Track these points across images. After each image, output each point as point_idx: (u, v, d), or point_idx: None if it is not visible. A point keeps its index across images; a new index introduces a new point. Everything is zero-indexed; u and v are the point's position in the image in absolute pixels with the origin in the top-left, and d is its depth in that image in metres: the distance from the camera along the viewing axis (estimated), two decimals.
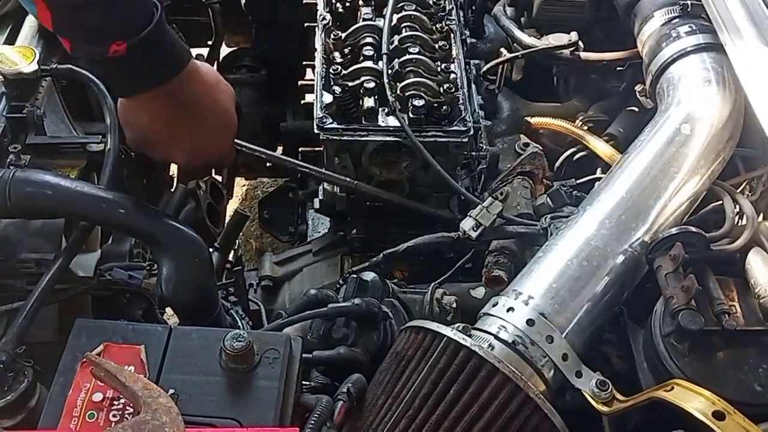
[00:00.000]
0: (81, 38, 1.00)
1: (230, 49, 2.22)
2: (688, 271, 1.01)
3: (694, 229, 1.03)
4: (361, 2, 1.54)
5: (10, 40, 1.45)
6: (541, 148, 1.46)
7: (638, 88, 1.41)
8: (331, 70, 1.41)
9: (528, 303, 1.00)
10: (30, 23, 1.47)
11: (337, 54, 1.45)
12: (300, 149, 1.63)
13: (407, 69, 1.41)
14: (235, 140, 1.20)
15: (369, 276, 1.19)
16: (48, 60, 1.40)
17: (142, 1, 1.01)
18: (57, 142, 1.29)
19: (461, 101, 1.38)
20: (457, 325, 0.98)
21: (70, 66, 1.36)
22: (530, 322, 0.98)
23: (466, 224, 1.25)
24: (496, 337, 0.98)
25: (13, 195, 1.07)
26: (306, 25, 1.62)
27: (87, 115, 1.49)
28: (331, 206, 1.49)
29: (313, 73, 1.61)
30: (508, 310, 1.00)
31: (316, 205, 1.55)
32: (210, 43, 2.09)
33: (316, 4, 1.57)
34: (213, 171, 1.78)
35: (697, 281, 0.98)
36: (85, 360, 0.90)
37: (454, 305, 1.20)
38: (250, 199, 2.86)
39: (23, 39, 1.43)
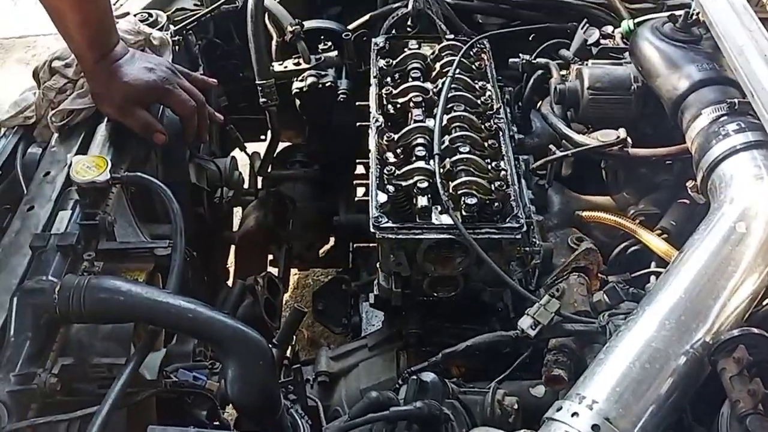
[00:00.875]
0: None
1: (284, 145, 2.30)
2: (753, 373, 1.00)
3: (756, 330, 1.03)
4: (411, 104, 1.60)
5: (83, 149, 1.53)
6: (593, 242, 1.47)
7: (689, 184, 1.42)
8: (385, 171, 1.45)
9: (592, 407, 1.00)
10: (102, 132, 1.56)
11: (390, 154, 1.50)
12: (356, 244, 1.67)
13: (458, 168, 1.44)
14: None
15: (429, 377, 1.20)
16: (118, 167, 1.48)
17: None
18: (126, 247, 1.34)
19: (513, 197, 1.41)
20: (521, 431, 0.98)
21: (138, 173, 1.44)
22: (595, 428, 0.97)
23: (524, 323, 1.26)
24: None
25: (87, 301, 1.12)
26: (358, 124, 1.67)
27: (153, 217, 1.55)
28: (387, 301, 1.51)
29: (365, 169, 1.67)
30: (572, 415, 1.00)
31: (371, 300, 1.57)
32: (263, 137, 2.18)
33: (368, 105, 1.63)
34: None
35: (763, 384, 0.97)
36: None
37: (516, 407, 1.20)
38: (301, 288, 2.90)
39: (95, 148, 1.51)
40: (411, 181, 1.42)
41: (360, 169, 1.91)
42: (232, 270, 2.17)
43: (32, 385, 1.08)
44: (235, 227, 2.17)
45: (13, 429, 1.05)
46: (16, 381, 1.09)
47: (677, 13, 1.54)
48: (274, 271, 2.05)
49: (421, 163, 1.45)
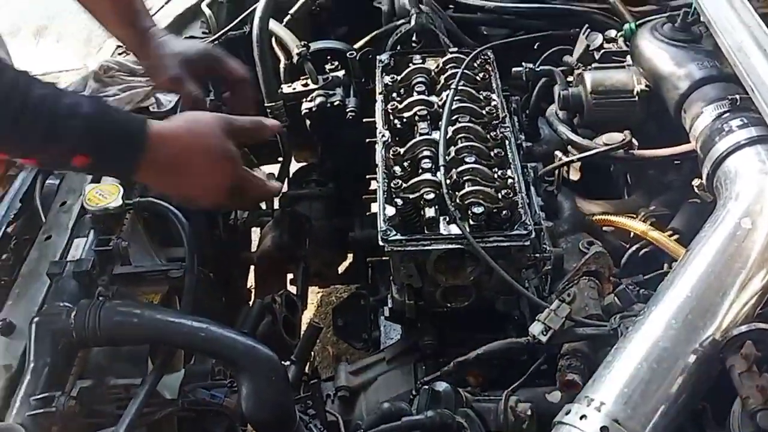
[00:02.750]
0: (50, 166, 1.25)
1: (299, 165, 2.33)
2: (763, 369, 1.00)
3: (763, 325, 1.02)
4: (417, 117, 1.61)
5: (97, 178, 1.57)
6: (603, 246, 1.47)
7: (696, 183, 1.42)
8: (392, 184, 1.46)
9: (600, 409, 1.00)
10: None
11: (397, 168, 1.51)
12: (368, 259, 1.68)
13: (465, 178, 1.45)
14: None
15: (441, 386, 1.20)
16: (130, 193, 1.51)
17: (74, 113, 1.09)
18: (140, 271, 1.38)
19: (520, 205, 1.41)
20: None
21: (150, 199, 1.48)
22: (604, 430, 0.97)
23: (535, 329, 1.26)
24: None
25: (102, 324, 1.15)
26: (368, 141, 1.69)
27: (167, 240, 1.59)
28: (401, 313, 1.52)
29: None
30: (581, 418, 1.00)
31: (386, 313, 1.58)
32: (279, 159, 2.21)
33: (375, 121, 1.65)
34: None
35: None
36: None
37: (529, 413, 1.20)
38: (325, 305, 2.92)
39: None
40: (418, 194, 1.43)
41: (374, 185, 1.93)
42: (252, 292, 2.20)
43: (52, 408, 1.11)
44: (254, 248, 2.20)
45: None
46: (37, 405, 1.12)
47: (676, 13, 1.54)
48: (293, 290, 2.07)
49: (427, 175, 1.46)
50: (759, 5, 1.46)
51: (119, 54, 1.85)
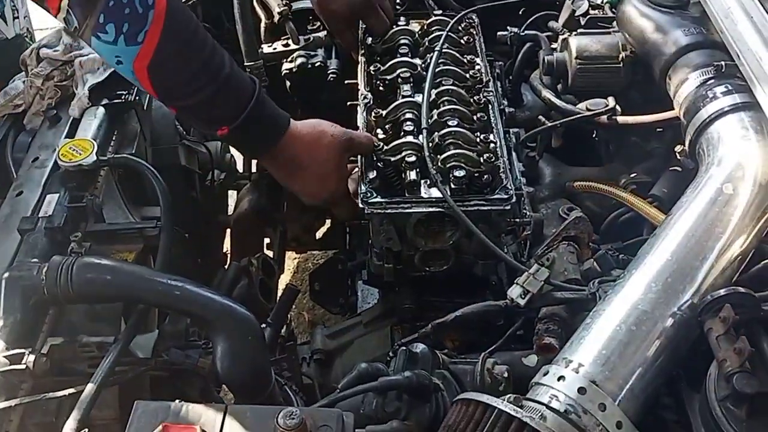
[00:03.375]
0: (196, 125, 1.40)
1: None
2: (740, 332, 1.00)
3: (742, 289, 1.02)
4: (400, 80, 1.59)
5: (71, 134, 1.53)
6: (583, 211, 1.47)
7: (678, 149, 1.41)
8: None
9: (578, 371, 0.99)
10: (89, 117, 1.56)
11: (379, 131, 1.50)
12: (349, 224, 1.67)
13: (447, 141, 1.44)
14: None
15: (418, 348, 1.20)
16: (105, 150, 1.48)
17: (241, 87, 1.28)
18: (114, 228, 1.35)
19: (502, 170, 1.40)
20: (508, 396, 0.98)
21: (125, 155, 1.45)
22: (582, 390, 0.97)
23: (514, 292, 1.25)
24: (548, 407, 0.97)
25: (75, 281, 1.13)
26: (349, 103, 1.67)
27: (142, 199, 1.56)
28: (380, 277, 1.51)
29: None
30: (558, 379, 0.99)
31: (365, 276, 1.57)
32: None
33: (357, 83, 1.63)
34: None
35: (749, 342, 0.97)
36: None
37: (506, 375, 1.20)
38: (301, 272, 2.91)
39: (82, 132, 1.52)
40: (399, 156, 1.42)
41: None
42: (228, 255, 2.18)
43: (21, 365, 1.09)
44: (231, 211, 2.17)
45: (3, 408, 1.05)
46: (6, 361, 1.10)
47: None
48: (270, 254, 2.05)
49: (409, 138, 1.45)
50: None
51: None
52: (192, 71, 1.22)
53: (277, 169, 1.42)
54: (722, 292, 1.02)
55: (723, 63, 1.33)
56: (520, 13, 1.95)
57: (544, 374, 1.03)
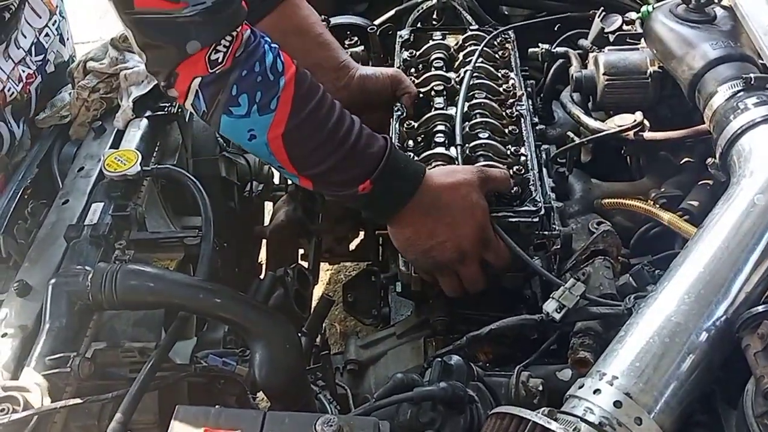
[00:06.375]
0: (333, 190, 1.26)
1: None
2: None
3: None
4: (433, 92, 1.61)
5: (116, 145, 1.57)
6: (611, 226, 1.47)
7: (709, 161, 1.41)
8: None
9: (613, 383, 0.99)
10: (133, 128, 1.60)
11: (410, 141, 1.52)
12: (378, 232, 1.68)
13: (478, 153, 1.46)
14: None
15: (453, 359, 1.20)
16: (148, 161, 1.52)
17: (373, 142, 1.24)
18: (157, 237, 1.38)
19: (531, 182, 1.41)
20: (542, 409, 0.98)
21: (168, 166, 1.48)
22: (617, 404, 0.97)
23: (549, 306, 1.26)
24: (583, 420, 0.97)
25: (118, 288, 1.16)
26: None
27: (183, 210, 1.59)
28: (412, 288, 1.52)
29: None
30: (594, 392, 0.99)
31: (398, 288, 1.58)
32: None
33: None
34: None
35: None
36: None
37: (540, 388, 1.20)
38: (333, 283, 2.92)
39: (127, 143, 1.56)
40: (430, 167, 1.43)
41: None
42: (264, 265, 2.20)
43: (66, 368, 1.12)
44: (267, 222, 2.20)
45: (48, 410, 1.08)
46: (51, 365, 1.13)
47: None
48: (305, 264, 2.06)
49: (440, 149, 1.47)
50: None
51: None
52: (326, 132, 1.19)
53: (416, 219, 1.30)
54: (760, 309, 1.02)
55: (752, 75, 1.33)
56: (555, 29, 1.96)
57: (579, 387, 1.03)
